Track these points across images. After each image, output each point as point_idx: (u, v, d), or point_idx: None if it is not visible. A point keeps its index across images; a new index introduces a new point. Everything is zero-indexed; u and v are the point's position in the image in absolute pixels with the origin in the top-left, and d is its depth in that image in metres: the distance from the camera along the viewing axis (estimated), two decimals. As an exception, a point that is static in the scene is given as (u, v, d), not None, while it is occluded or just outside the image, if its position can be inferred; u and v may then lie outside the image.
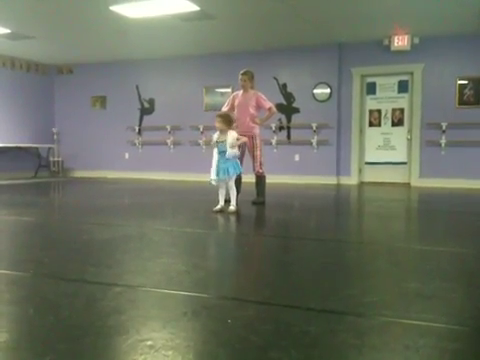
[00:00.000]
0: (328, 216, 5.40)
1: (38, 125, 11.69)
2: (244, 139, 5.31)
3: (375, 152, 9.60)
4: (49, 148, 11.80)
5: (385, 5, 7.12)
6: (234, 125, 5.40)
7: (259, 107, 5.96)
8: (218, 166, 5.07)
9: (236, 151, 5.14)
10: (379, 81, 9.49)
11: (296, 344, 1.64)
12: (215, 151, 5.13)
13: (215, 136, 5.17)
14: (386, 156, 9.51)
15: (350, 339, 1.69)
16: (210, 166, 5.17)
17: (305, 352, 1.59)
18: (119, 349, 1.63)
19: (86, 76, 11.70)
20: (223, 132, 5.09)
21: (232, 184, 5.19)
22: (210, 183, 5.15)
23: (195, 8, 7.13)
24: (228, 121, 5.14)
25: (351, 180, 9.56)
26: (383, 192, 8.10)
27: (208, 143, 5.43)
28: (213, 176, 5.07)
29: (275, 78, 9.91)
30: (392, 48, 8.83)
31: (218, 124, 5.09)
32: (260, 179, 5.98)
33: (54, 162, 11.98)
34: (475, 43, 8.62)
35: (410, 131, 9.26)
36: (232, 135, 5.09)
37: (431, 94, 8.98)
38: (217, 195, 5.19)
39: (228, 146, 5.02)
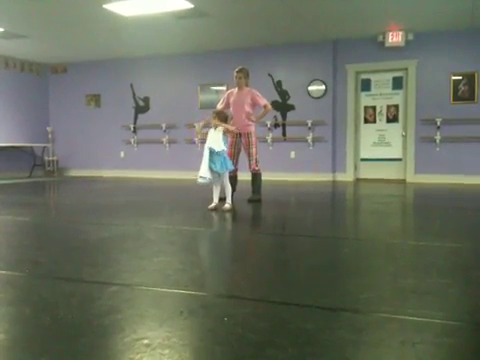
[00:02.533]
0: (324, 213, 5.41)
1: (32, 124, 11.63)
2: (233, 128, 5.33)
3: (370, 149, 9.61)
4: (44, 147, 11.75)
5: (379, 1, 7.12)
6: (230, 122, 5.41)
7: (254, 104, 5.95)
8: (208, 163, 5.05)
9: (221, 144, 5.09)
10: (374, 78, 9.50)
11: (293, 341, 1.64)
12: (206, 147, 5.08)
13: (209, 133, 5.16)
14: (381, 153, 9.52)
15: (347, 335, 1.69)
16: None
17: (302, 349, 1.59)
18: (116, 348, 1.63)
19: (80, 75, 11.66)
20: (216, 128, 5.11)
21: (227, 181, 5.18)
22: (198, 181, 5.05)
23: (189, 5, 7.11)
24: (223, 118, 5.20)
25: (347, 177, 9.57)
26: (379, 188, 8.12)
27: (200, 131, 5.38)
28: (201, 173, 5.02)
29: (270, 75, 9.90)
30: (386, 44, 8.84)
31: (215, 121, 5.10)
32: (256, 176, 5.97)
33: (49, 161, 11.94)
34: (469, 39, 8.63)
35: (405, 127, 9.28)
36: (220, 128, 5.10)
37: (425, 90, 8.99)
38: (211, 193, 5.18)
39: (214, 137, 5.06)
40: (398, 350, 1.58)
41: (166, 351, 1.56)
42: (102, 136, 11.50)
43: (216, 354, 1.57)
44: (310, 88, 9.70)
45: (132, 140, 11.26)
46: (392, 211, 5.58)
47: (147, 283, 2.39)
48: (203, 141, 5.36)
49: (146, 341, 1.63)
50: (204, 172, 4.99)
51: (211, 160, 5.00)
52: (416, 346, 1.60)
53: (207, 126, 5.31)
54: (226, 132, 5.14)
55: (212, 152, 5.02)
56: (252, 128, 5.94)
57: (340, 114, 9.60)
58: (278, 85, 9.91)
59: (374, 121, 9.56)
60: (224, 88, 9.61)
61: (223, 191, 5.21)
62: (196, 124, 5.36)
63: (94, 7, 7.17)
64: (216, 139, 5.05)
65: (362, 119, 9.63)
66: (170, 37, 9.19)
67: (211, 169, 5.00)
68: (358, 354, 1.58)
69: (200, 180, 5.03)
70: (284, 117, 9.91)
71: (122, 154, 11.45)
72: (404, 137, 9.31)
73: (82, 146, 11.72)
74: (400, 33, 8.71)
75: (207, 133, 5.18)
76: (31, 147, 11.45)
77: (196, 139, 5.33)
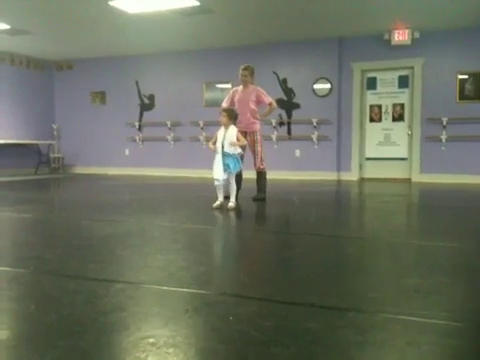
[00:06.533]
0: (329, 212, 5.40)
1: (38, 121, 11.66)
2: (244, 142, 5.30)
3: (376, 148, 9.58)
4: (49, 144, 11.78)
5: None
6: (237, 121, 5.41)
7: (259, 102, 5.94)
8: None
9: (236, 146, 5.09)
10: (379, 76, 9.46)
11: (297, 340, 1.64)
12: (218, 150, 5.08)
13: (220, 132, 5.13)
14: (387, 152, 9.49)
15: (351, 335, 1.69)
16: (210, 162, 5.15)
17: (306, 348, 1.59)
18: (121, 346, 1.63)
19: (85, 72, 11.67)
20: (226, 127, 5.10)
21: (232, 180, 5.18)
22: (215, 183, 5.11)
23: (195, 3, 7.10)
24: (233, 116, 5.18)
25: (351, 176, 9.55)
26: (384, 188, 8.10)
27: (210, 143, 5.31)
28: (216, 176, 5.05)
29: (275, 73, 9.88)
30: (392, 43, 8.80)
31: (224, 119, 5.10)
32: (261, 175, 5.97)
33: (54, 158, 11.98)
34: (476, 37, 8.58)
35: (411, 126, 9.24)
36: (233, 129, 5.10)
37: (432, 89, 8.96)
38: (216, 191, 5.18)
39: (229, 140, 5.02)
40: (403, 351, 1.58)
41: (171, 350, 1.57)
42: (107, 133, 11.52)
43: (221, 353, 1.57)
44: (315, 86, 9.68)
45: (137, 137, 11.28)
46: (397, 210, 5.56)
47: (152, 281, 2.39)
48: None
49: (151, 340, 1.64)
50: (220, 174, 5.01)
51: (224, 161, 5.00)
52: (421, 347, 1.59)
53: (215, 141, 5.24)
54: (238, 140, 5.11)
55: (225, 153, 5.02)
56: (257, 126, 5.93)
57: (345, 113, 9.57)
58: (283, 83, 9.89)
59: (380, 120, 9.53)
60: (229, 86, 9.60)
61: (227, 190, 5.21)
62: (210, 145, 5.26)
63: (99, 4, 7.17)
64: (231, 141, 5.04)
65: (368, 118, 9.60)
66: (175, 34, 9.18)
67: (225, 169, 5.01)
68: (362, 354, 1.58)
69: (216, 183, 5.07)
70: (289, 115, 9.90)
71: (127, 152, 11.46)
72: (410, 136, 9.28)
73: (87, 143, 11.74)
74: (406, 31, 8.67)
75: (216, 141, 5.15)
76: (37, 144, 11.48)
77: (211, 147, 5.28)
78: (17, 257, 3.02)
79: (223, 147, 5.03)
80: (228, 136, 5.05)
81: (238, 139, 5.09)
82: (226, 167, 5.01)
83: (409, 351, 1.57)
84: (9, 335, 1.72)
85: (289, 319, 1.85)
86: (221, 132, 5.13)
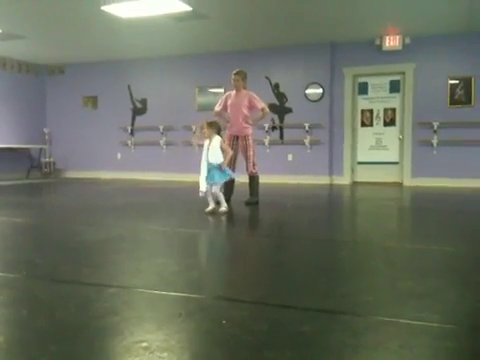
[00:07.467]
0: (321, 216, 5.41)
1: (29, 126, 11.60)
2: (229, 154, 5.24)
3: (367, 152, 9.62)
4: (41, 149, 11.71)
5: (377, 5, 7.14)
6: (224, 131, 5.39)
7: (252, 107, 5.95)
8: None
9: (220, 156, 5.07)
10: (371, 81, 9.52)
11: (291, 344, 1.64)
12: (203, 159, 5.09)
13: (205, 144, 5.13)
14: (378, 156, 9.54)
15: (345, 338, 1.69)
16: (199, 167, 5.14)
17: (300, 352, 1.59)
18: (114, 351, 1.62)
19: (78, 76, 11.64)
20: (210, 138, 5.09)
21: (216, 190, 5.13)
22: (200, 194, 5.08)
23: (187, 8, 7.11)
24: (214, 127, 5.16)
25: (344, 180, 9.58)
26: (376, 192, 8.13)
27: (197, 140, 5.33)
28: (201, 188, 5.04)
29: (267, 78, 9.91)
30: (384, 48, 8.87)
31: (207, 131, 5.09)
32: (253, 179, 5.97)
33: (46, 163, 11.90)
34: (466, 42, 8.66)
35: (402, 131, 9.30)
36: (217, 139, 5.10)
37: (423, 94, 9.02)
38: (207, 197, 5.16)
39: (212, 151, 5.02)
40: (396, 353, 1.58)
41: (164, 354, 1.56)
42: (99, 138, 11.48)
43: (214, 357, 1.56)
44: (307, 91, 9.71)
45: (129, 142, 11.25)
46: (389, 214, 5.59)
47: (145, 285, 2.38)
48: (199, 144, 5.33)
49: (144, 344, 1.63)
50: (202, 186, 5.03)
51: (210, 172, 5.01)
52: (414, 350, 1.60)
53: (202, 129, 5.25)
54: (222, 146, 5.11)
55: (210, 165, 5.02)
56: (249, 131, 5.93)
57: (337, 117, 9.61)
58: (275, 88, 9.92)
59: (371, 124, 9.58)
60: (222, 90, 9.61)
61: (216, 197, 5.17)
62: (194, 126, 5.32)
63: (92, 9, 7.16)
64: (214, 151, 5.04)
65: (359, 122, 9.65)
66: (168, 39, 9.19)
67: (210, 181, 5.00)
68: (357, 357, 1.58)
69: (201, 194, 5.08)
70: (281, 120, 9.92)
71: (119, 156, 11.43)
72: (401, 140, 9.33)
73: (79, 148, 11.69)
74: (397, 37, 8.74)
75: (201, 136, 5.16)
76: (28, 149, 11.42)
77: (193, 142, 5.28)
78: (8, 262, 2.99)
79: (208, 158, 5.04)
80: (211, 146, 5.05)
81: (222, 149, 5.09)
82: (211, 178, 5.01)
83: (402, 354, 1.57)
84: (1, 340, 1.70)
85: (283, 322, 1.85)
86: (206, 143, 5.13)
